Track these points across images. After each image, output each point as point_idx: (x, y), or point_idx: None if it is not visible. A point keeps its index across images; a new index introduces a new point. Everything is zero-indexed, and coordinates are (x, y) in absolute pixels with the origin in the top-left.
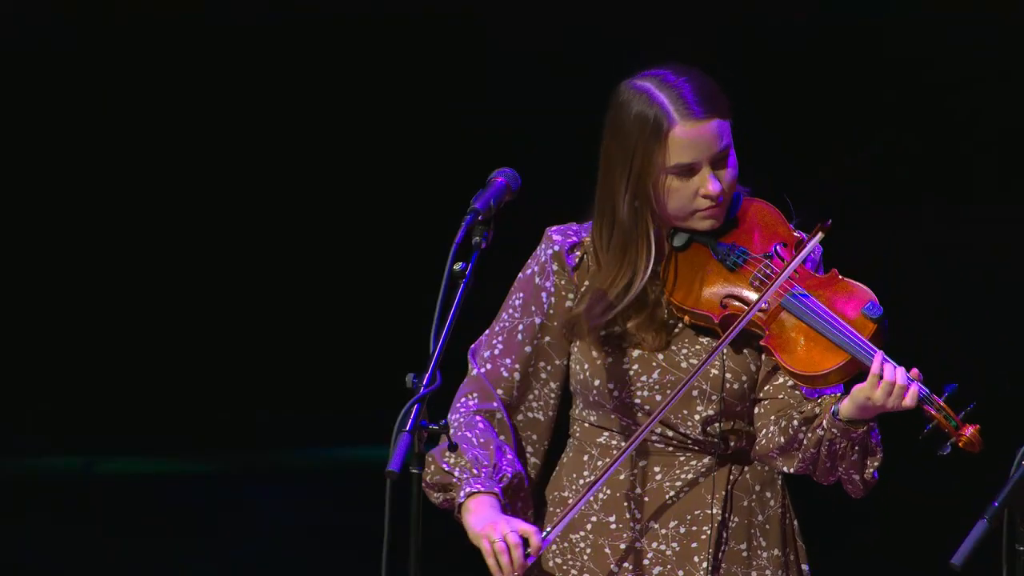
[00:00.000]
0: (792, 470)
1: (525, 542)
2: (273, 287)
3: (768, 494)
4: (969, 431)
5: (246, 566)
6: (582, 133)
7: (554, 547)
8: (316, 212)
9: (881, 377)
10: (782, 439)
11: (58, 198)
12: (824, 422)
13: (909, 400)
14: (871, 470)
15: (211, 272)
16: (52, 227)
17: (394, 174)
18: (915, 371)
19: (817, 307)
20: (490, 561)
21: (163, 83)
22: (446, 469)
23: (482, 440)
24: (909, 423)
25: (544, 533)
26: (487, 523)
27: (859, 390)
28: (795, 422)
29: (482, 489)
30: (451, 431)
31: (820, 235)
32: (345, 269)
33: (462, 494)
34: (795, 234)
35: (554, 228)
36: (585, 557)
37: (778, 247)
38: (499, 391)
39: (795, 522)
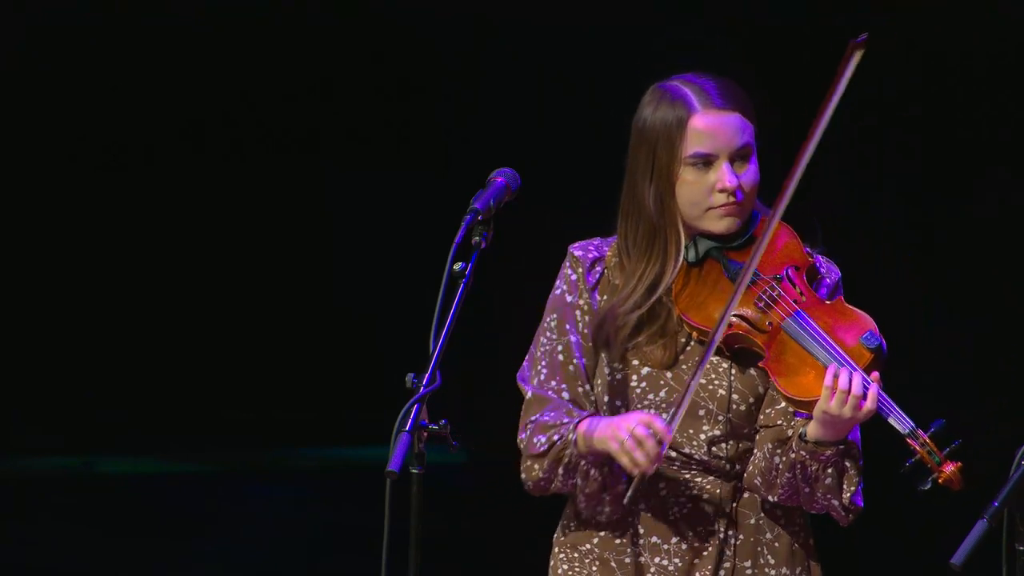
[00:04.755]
0: (776, 499)
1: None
2: (274, 288)
3: (779, 512)
4: (949, 468)
5: (246, 566)
6: (582, 133)
7: (562, 555)
8: (315, 213)
9: (834, 389)
10: (763, 464)
11: (59, 199)
12: (793, 444)
13: (865, 412)
14: (848, 495)
15: (212, 274)
16: (54, 229)
17: (393, 174)
18: (875, 375)
19: (816, 332)
20: (623, 460)
21: (171, 83)
22: (544, 449)
23: (555, 414)
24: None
25: (666, 420)
26: (607, 427)
27: (818, 405)
28: (769, 445)
29: (580, 417)
30: (524, 445)
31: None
32: (344, 270)
33: (571, 434)
34: (810, 258)
35: (575, 245)
36: (594, 568)
37: (789, 270)
38: (552, 413)
39: (811, 540)
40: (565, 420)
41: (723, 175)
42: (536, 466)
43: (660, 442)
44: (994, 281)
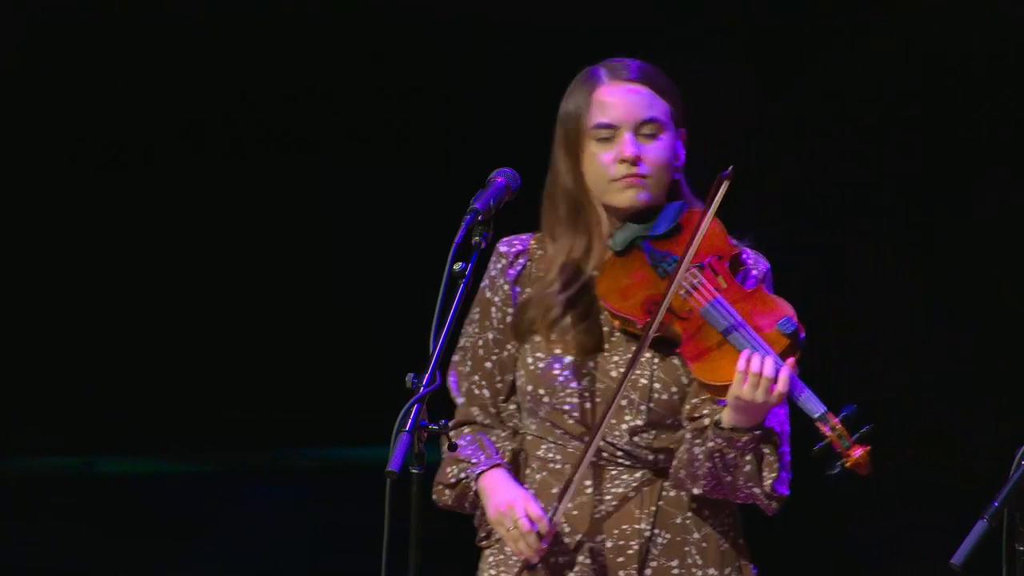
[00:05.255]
0: (700, 490)
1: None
2: (274, 289)
3: (707, 512)
4: (858, 452)
5: (246, 566)
6: None
7: (491, 558)
8: (315, 213)
9: (747, 374)
10: (684, 456)
11: (59, 199)
12: (710, 432)
13: (776, 395)
14: (769, 481)
15: (212, 274)
16: (54, 229)
17: (393, 174)
18: (790, 360)
19: (733, 318)
20: (509, 544)
21: (171, 83)
22: (453, 481)
23: (470, 440)
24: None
25: (549, 515)
26: (499, 510)
27: (730, 391)
28: (689, 435)
29: (486, 466)
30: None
31: (717, 200)
32: (344, 270)
33: (472, 483)
34: (735, 249)
35: (503, 240)
36: (516, 569)
37: (712, 259)
38: (474, 409)
39: (741, 540)
40: (473, 460)
41: (623, 144)
42: (447, 492)
43: (542, 536)
44: (994, 281)
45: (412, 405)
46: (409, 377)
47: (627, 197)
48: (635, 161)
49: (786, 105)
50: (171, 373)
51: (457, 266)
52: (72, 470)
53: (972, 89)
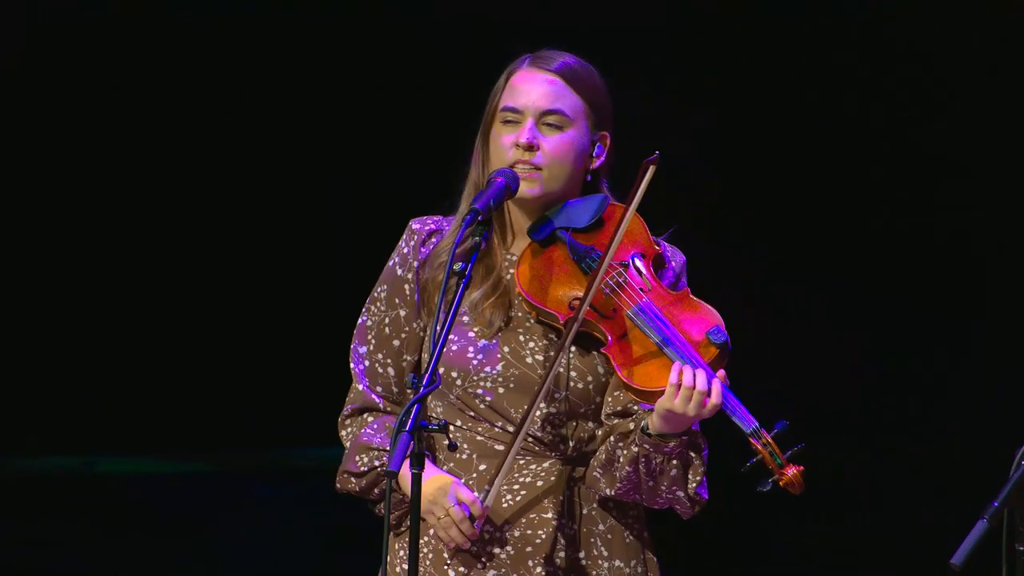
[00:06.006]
0: (613, 492)
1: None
2: (274, 288)
3: (611, 504)
4: (791, 471)
5: (247, 566)
6: None
7: (402, 553)
8: (315, 213)
9: (679, 386)
10: (604, 456)
11: (58, 200)
12: (636, 437)
13: (709, 408)
14: (693, 485)
15: (212, 274)
16: (53, 229)
17: (393, 174)
18: (721, 372)
19: (663, 324)
20: (440, 533)
21: (171, 83)
22: (365, 470)
23: (378, 428)
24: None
25: (481, 498)
26: (427, 498)
27: (660, 402)
28: (612, 437)
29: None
30: (347, 444)
31: (644, 183)
32: (344, 270)
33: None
34: (656, 247)
35: (416, 218)
36: (428, 562)
37: (636, 258)
38: (379, 388)
39: (646, 533)
40: (387, 448)
41: (522, 130)
42: (353, 480)
43: (475, 519)
44: (994, 281)
45: (412, 405)
46: (409, 377)
47: (522, 186)
48: (529, 147)
49: (785, 104)
50: (171, 373)
51: (457, 266)
52: (72, 470)
53: (972, 89)
